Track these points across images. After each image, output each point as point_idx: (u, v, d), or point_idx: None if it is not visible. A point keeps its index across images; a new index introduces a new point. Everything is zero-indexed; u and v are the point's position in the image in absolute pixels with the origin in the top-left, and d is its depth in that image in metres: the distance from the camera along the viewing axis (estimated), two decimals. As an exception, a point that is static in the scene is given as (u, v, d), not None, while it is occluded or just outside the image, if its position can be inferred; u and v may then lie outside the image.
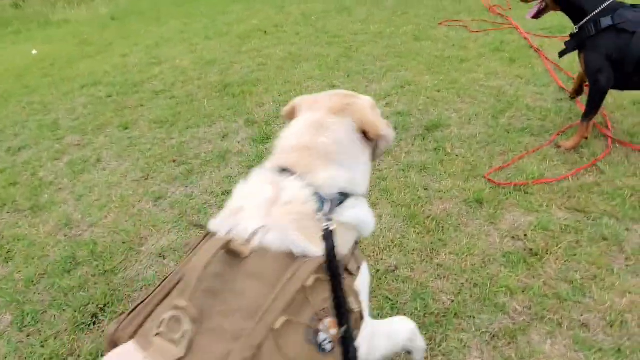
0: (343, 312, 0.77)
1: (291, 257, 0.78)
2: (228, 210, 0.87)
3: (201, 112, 3.41)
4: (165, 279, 0.81)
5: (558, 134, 2.49)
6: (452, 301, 1.59)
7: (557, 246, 1.76)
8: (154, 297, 0.77)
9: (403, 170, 2.38)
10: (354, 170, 0.98)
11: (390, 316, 1.52)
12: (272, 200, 0.85)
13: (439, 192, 2.18)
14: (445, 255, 1.80)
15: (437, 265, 1.76)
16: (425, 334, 1.47)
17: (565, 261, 1.70)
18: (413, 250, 1.85)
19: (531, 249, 1.77)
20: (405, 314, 1.54)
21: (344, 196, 0.92)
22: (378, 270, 1.76)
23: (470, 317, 1.53)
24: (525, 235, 1.85)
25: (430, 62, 3.79)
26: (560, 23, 4.11)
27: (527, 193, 2.08)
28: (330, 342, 0.76)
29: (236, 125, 3.14)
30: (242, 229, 0.80)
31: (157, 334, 0.67)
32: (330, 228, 0.82)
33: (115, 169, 2.80)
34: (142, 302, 0.78)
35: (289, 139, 1.00)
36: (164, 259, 2.01)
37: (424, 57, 3.91)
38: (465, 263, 1.75)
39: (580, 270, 1.65)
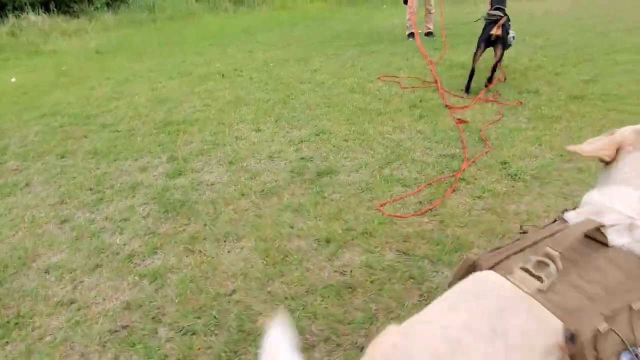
0: None
1: None
2: (584, 211, 0.98)
3: (134, 147, 3.76)
4: (525, 234, 0.96)
5: (424, 186, 2.83)
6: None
7: (371, 282, 2.06)
8: (517, 245, 0.88)
9: (280, 210, 2.70)
10: None
11: (212, 331, 1.81)
12: None
13: (301, 230, 2.49)
14: (277, 284, 2.10)
15: (267, 292, 2.06)
16: (235, 350, 1.75)
17: (370, 295, 1.99)
18: (254, 278, 2.15)
19: (349, 283, 2.07)
20: (226, 329, 1.83)
21: None
22: (218, 293, 2.06)
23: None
24: (351, 271, 2.15)
25: (352, 113, 4.18)
26: (478, 86, 4.54)
27: (371, 236, 2.40)
28: None
29: (158, 160, 3.48)
30: (611, 219, 0.89)
31: (522, 268, 0.79)
32: None
33: (38, 193, 3.12)
34: (502, 248, 0.90)
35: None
36: (48, 274, 2.30)
37: (348, 108, 4.30)
38: (291, 292, 2.05)
39: (378, 302, 1.95)
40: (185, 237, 2.50)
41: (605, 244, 0.85)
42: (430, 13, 7.24)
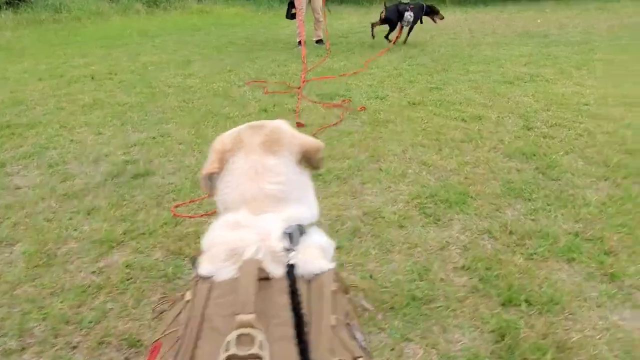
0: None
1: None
2: (217, 256, 0.82)
3: (-46, 149, 3.57)
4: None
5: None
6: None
7: (121, 282, 2.07)
8: (191, 328, 0.71)
9: (74, 212, 2.65)
10: (305, 201, 0.97)
11: None
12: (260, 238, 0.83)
13: (82, 232, 2.46)
14: (27, 287, 2.06)
15: (11, 295, 2.01)
16: None
17: (114, 294, 2.00)
18: (4, 282, 2.09)
19: (99, 284, 2.07)
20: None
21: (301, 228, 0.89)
22: (-43, 299, 1.98)
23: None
24: (109, 272, 2.15)
25: (202, 117, 4.20)
26: (334, 92, 4.72)
27: (150, 236, 2.41)
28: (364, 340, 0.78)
29: (-27, 164, 3.32)
30: (252, 251, 0.79)
31: (228, 357, 0.61)
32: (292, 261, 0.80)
33: None
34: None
35: (235, 192, 0.94)
36: None
37: (201, 112, 4.32)
38: (35, 293, 2.01)
39: (117, 301, 1.96)
40: (-45, 242, 2.39)
41: (267, 279, 0.77)
42: (319, 22, 7.51)
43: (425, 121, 3.90)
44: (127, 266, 2.18)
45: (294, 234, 0.85)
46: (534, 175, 2.89)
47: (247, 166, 0.94)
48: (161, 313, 1.05)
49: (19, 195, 2.89)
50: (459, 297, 1.90)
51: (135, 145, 3.60)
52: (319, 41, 7.61)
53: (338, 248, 2.17)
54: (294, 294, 0.73)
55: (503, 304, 1.85)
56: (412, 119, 3.95)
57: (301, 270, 0.79)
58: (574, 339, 1.66)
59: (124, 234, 2.44)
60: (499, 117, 3.95)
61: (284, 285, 0.76)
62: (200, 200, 2.74)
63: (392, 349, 1.66)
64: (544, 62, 5.92)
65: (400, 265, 2.11)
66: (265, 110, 4.32)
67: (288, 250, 0.81)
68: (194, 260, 0.86)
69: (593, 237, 2.25)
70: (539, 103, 4.28)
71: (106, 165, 3.27)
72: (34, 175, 3.14)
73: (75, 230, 2.49)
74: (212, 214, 2.55)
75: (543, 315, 1.78)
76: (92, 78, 5.67)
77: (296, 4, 6.93)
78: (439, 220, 2.46)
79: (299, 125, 3.84)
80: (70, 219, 2.60)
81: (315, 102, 4.54)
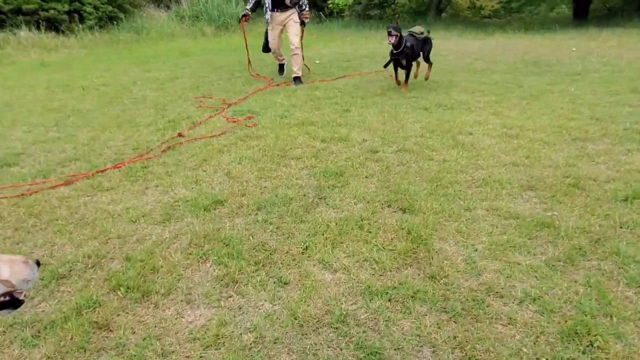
0: None
1: None
2: None
3: None
4: None
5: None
6: None
7: None
8: None
9: None
10: None
11: None
12: None
13: None
14: None
15: None
16: None
17: None
18: None
19: None
20: None
21: None
22: None
23: None
24: None
25: (117, 122, 4.83)
26: (251, 108, 5.10)
27: None
28: None
29: None
30: None
31: None
32: None
33: None
34: None
35: None
36: None
37: (117, 118, 4.96)
38: None
39: None
40: None
41: None
42: (295, 55, 6.51)
43: (289, 139, 4.10)
44: None
45: None
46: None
47: None
48: None
49: None
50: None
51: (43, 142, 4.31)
52: (297, 79, 6.61)
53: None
54: None
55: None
56: (282, 136, 4.17)
57: None
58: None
59: None
60: (363, 139, 4.01)
61: None
62: None
63: None
64: (496, 90, 5.67)
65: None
66: (173, 121, 4.82)
67: None
68: None
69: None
70: (424, 129, 4.23)
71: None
72: None
73: None
74: None
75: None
76: (83, 88, 6.67)
77: (270, 40, 6.70)
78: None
79: (179, 135, 4.28)
80: None
81: (224, 116, 4.94)
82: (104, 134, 4.46)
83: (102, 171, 3.49)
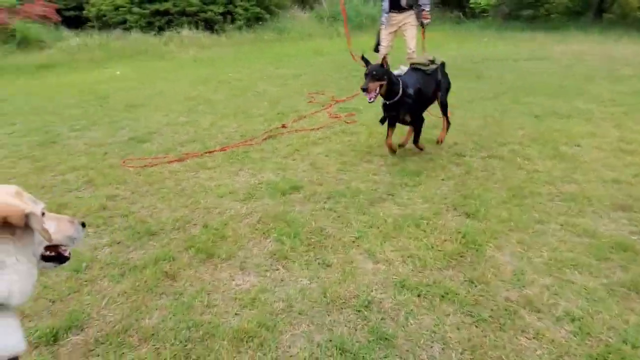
0: None
1: None
2: None
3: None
4: None
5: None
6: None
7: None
8: None
9: None
10: None
11: None
12: None
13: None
14: None
15: None
16: None
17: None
18: None
19: None
20: None
21: None
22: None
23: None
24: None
25: (235, 112, 5.44)
26: (356, 106, 5.31)
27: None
28: None
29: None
30: None
31: None
32: None
33: None
34: None
35: None
36: None
37: (225, 109, 5.56)
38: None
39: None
40: None
41: None
42: (410, 59, 6.40)
43: (380, 137, 4.22)
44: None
45: None
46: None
47: None
48: None
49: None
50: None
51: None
52: None
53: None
54: None
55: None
56: (374, 134, 4.30)
57: None
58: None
59: None
60: (454, 142, 3.95)
61: None
62: None
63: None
64: (630, 100, 5.02)
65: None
66: (282, 113, 5.26)
67: None
68: None
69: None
70: (525, 137, 4.00)
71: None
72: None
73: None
74: None
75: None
76: (220, 82, 7.55)
77: (381, 39, 6.54)
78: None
79: (283, 127, 4.68)
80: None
81: (329, 112, 5.23)
82: (222, 121, 5.06)
83: (210, 152, 4.01)
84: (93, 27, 15.05)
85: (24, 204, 0.98)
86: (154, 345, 1.82)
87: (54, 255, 1.15)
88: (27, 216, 0.95)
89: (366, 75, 3.24)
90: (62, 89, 7.51)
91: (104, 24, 15.10)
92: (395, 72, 3.52)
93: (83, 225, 1.23)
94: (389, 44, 6.60)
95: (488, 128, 4.30)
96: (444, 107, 3.83)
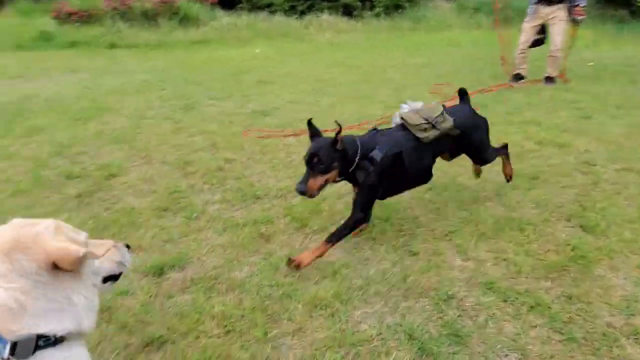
0: None
1: None
2: None
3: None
4: None
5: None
6: None
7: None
8: None
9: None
10: (51, 314, 0.89)
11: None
12: None
13: None
14: None
15: None
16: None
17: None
18: None
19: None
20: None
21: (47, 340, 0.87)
22: None
23: None
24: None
25: (358, 96, 5.52)
26: (481, 102, 5.06)
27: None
28: None
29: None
30: None
31: None
32: None
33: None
34: None
35: None
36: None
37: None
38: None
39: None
40: None
41: None
42: (553, 57, 5.95)
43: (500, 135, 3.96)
44: None
45: (23, 345, 0.83)
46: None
47: None
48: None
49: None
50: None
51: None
52: (548, 79, 6.01)
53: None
54: None
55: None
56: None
57: None
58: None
59: None
60: (586, 150, 3.57)
61: None
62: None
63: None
64: None
65: (277, 182, 3.09)
66: (401, 101, 5.20)
67: None
68: None
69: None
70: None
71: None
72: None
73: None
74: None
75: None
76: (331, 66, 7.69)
77: (521, 32, 6.06)
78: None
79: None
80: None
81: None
82: (341, 104, 5.18)
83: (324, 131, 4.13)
84: (243, 8, 16.25)
85: (74, 244, 0.93)
86: (239, 295, 1.99)
87: (108, 276, 1.14)
88: (82, 258, 0.92)
89: (306, 162, 2.17)
90: (209, 63, 8.33)
91: (253, 6, 16.19)
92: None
93: (127, 247, 1.21)
94: (530, 39, 6.10)
95: (632, 139, 3.77)
96: (486, 161, 2.71)
